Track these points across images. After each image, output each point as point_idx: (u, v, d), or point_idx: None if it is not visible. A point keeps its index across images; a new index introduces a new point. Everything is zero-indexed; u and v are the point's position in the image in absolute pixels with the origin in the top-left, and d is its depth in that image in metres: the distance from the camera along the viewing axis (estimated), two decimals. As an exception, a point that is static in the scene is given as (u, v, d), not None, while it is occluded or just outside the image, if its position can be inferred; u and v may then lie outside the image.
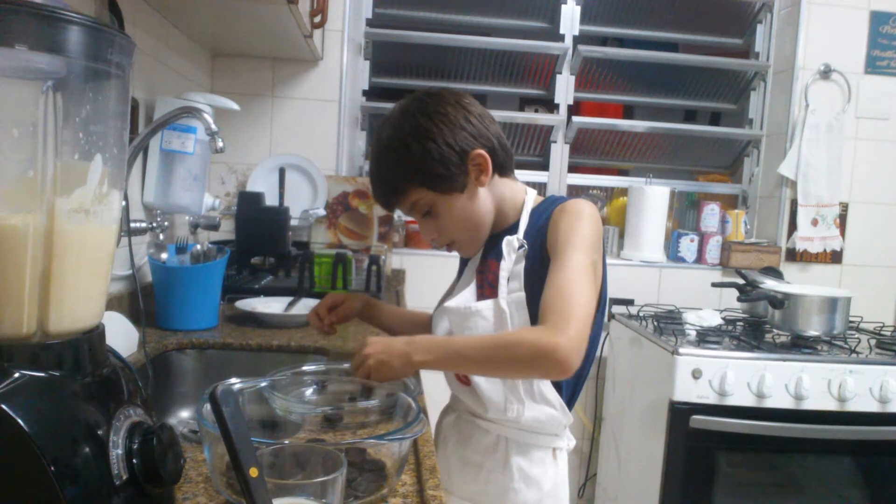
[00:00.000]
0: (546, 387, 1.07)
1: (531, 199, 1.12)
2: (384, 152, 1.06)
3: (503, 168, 1.09)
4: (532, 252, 1.04)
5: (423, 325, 1.27)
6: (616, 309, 2.30)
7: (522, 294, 1.03)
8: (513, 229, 1.09)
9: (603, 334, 1.11)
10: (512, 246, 1.05)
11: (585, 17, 2.54)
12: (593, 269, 0.98)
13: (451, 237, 1.10)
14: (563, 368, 0.89)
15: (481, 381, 1.07)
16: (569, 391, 1.12)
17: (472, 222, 1.08)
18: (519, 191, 1.13)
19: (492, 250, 1.10)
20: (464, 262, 1.23)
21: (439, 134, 1.02)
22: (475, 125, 1.06)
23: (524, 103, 3.09)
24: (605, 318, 1.06)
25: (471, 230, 1.09)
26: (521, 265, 1.04)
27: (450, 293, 1.23)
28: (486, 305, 1.05)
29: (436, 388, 1.24)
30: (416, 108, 1.05)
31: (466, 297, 1.11)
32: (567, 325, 0.88)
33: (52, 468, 0.50)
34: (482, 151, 1.04)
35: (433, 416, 1.00)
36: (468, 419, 1.15)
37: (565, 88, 2.55)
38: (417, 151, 1.02)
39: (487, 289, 1.11)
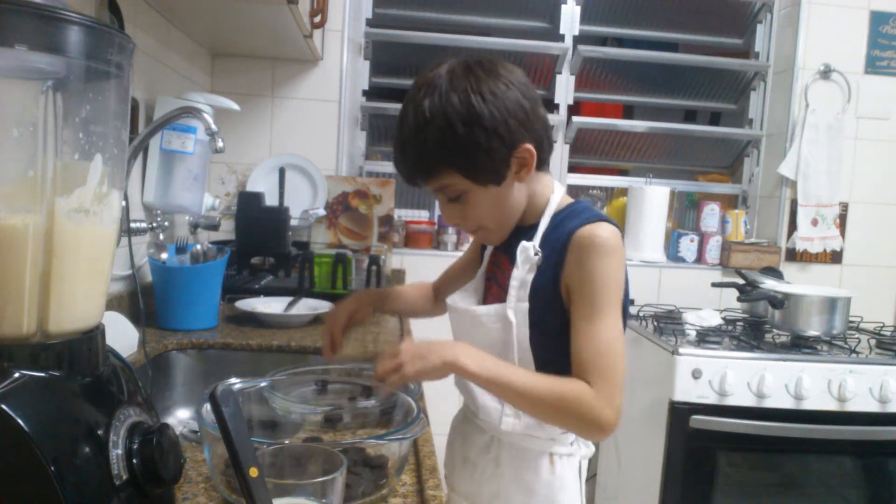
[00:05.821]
0: None
1: (556, 199, 1.03)
2: (423, 126, 0.91)
3: (542, 162, 1.00)
4: (545, 265, 0.97)
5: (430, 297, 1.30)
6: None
7: (527, 305, 0.97)
8: (532, 230, 1.01)
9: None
10: (527, 254, 0.98)
11: (585, 17, 2.54)
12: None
13: (477, 224, 1.02)
14: (600, 439, 0.94)
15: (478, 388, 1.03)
16: None
17: (502, 215, 1.01)
18: (547, 187, 1.04)
19: (509, 246, 1.04)
20: (484, 245, 1.18)
21: (491, 120, 0.90)
22: (528, 113, 0.94)
23: (524, 103, 3.08)
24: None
25: (499, 221, 1.02)
26: (532, 275, 0.98)
27: (460, 273, 1.22)
28: (491, 311, 1.00)
29: (437, 389, 1.24)
30: (467, 82, 0.91)
31: (471, 295, 1.08)
32: (613, 396, 0.87)
33: (52, 468, 0.50)
34: (530, 146, 0.94)
35: (433, 415, 1.00)
36: (469, 416, 1.13)
37: (565, 88, 2.55)
38: (464, 137, 0.90)
39: (495, 288, 1.06)
